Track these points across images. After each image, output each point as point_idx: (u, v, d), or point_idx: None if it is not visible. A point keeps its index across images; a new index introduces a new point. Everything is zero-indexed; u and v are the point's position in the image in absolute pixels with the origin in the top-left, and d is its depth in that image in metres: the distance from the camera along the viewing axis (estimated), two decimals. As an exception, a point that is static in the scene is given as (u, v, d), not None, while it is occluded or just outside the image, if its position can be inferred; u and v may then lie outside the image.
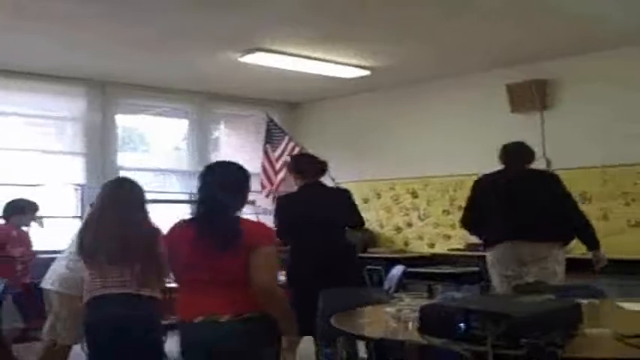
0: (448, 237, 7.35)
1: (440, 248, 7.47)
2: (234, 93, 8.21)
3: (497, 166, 4.77)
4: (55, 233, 6.15)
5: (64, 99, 7.18)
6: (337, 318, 2.98)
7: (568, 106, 6.55)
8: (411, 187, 7.80)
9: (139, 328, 3.22)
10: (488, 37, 5.85)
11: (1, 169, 6.65)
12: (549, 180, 4.66)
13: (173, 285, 3.10)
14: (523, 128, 6.49)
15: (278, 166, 7.76)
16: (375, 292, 4.14)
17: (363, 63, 6.74)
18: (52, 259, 4.69)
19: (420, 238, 7.73)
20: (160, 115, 8.28)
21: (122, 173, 7.09)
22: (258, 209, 7.11)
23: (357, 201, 4.79)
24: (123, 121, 7.84)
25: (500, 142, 4.89)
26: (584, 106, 6.41)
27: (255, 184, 4.27)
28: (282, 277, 4.17)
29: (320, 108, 8.75)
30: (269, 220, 4.26)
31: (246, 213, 2.96)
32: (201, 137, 8.19)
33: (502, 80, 6.78)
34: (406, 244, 7.85)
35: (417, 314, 2.46)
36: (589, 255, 4.56)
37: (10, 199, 5.59)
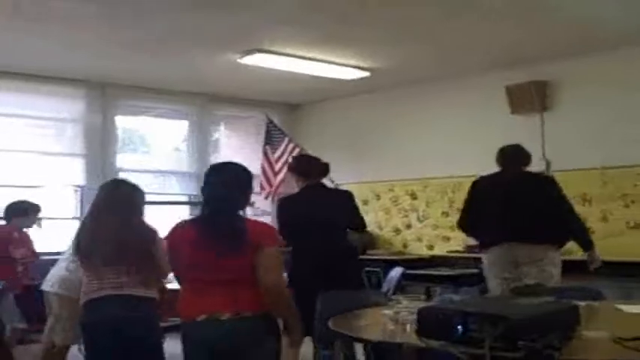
0: (447, 239, 7.34)
1: (439, 250, 7.46)
2: (234, 94, 8.21)
3: (496, 167, 4.78)
4: (55, 235, 6.15)
5: (63, 100, 7.18)
6: (335, 320, 2.99)
7: (568, 107, 6.54)
8: (410, 188, 7.79)
9: (136, 330, 3.22)
10: (487, 38, 5.85)
11: (0, 171, 6.65)
12: (545, 183, 4.72)
13: (174, 287, 3.11)
14: (523, 129, 6.48)
15: (277, 167, 7.76)
16: (374, 294, 4.14)
17: (362, 64, 6.74)
18: (52, 261, 4.70)
19: (419, 239, 7.72)
20: (160, 116, 8.28)
21: (122, 175, 7.10)
22: (257, 211, 7.12)
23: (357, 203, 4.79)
24: (123, 122, 7.84)
25: (499, 144, 4.91)
26: (584, 107, 6.40)
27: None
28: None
29: (319, 109, 8.75)
30: (268, 222, 4.26)
31: (246, 214, 2.99)
32: (201, 139, 8.19)
33: (502, 81, 6.77)
34: (405, 245, 7.85)
35: (414, 316, 2.46)
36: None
37: (12, 201, 5.59)
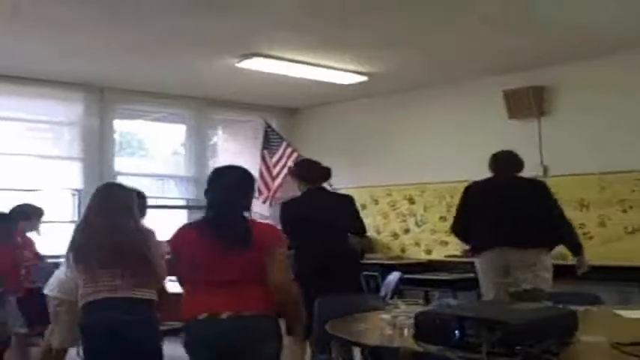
0: (445, 243, 7.34)
1: (437, 255, 7.47)
2: (231, 98, 8.21)
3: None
4: (53, 238, 6.13)
5: (61, 104, 7.18)
6: (332, 324, 2.99)
7: (565, 112, 6.55)
8: (408, 193, 7.79)
9: (133, 332, 3.21)
10: (485, 43, 5.86)
11: (-2, 174, 6.64)
12: (537, 188, 4.78)
13: (177, 291, 3.10)
14: (520, 135, 6.50)
15: (275, 172, 7.76)
16: (372, 299, 4.14)
17: (360, 69, 6.74)
18: (51, 264, 4.70)
19: (417, 244, 7.72)
20: (158, 120, 8.27)
21: (120, 178, 7.09)
22: (254, 215, 7.11)
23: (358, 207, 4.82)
24: (120, 126, 7.84)
25: (497, 149, 4.93)
26: (582, 112, 6.41)
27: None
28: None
29: (317, 114, 8.75)
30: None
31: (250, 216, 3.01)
32: (199, 143, 8.18)
33: (499, 87, 6.78)
34: (403, 250, 7.85)
35: (412, 321, 2.46)
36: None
37: (15, 205, 5.57)
